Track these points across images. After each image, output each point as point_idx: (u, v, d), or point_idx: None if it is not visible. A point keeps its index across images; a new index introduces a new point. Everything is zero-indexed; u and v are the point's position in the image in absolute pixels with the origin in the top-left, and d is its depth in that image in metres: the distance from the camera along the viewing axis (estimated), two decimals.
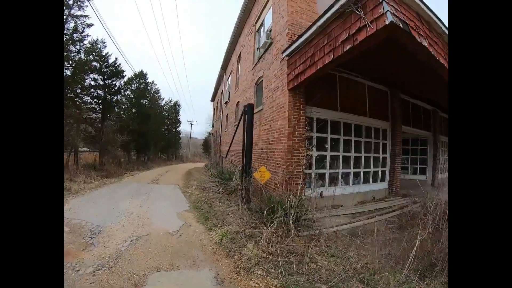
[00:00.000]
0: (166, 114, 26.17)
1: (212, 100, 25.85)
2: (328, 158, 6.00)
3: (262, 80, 6.95)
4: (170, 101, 27.80)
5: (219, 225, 4.39)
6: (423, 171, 10.88)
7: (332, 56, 3.69)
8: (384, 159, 7.71)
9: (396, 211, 6.57)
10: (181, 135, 31.99)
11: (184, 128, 40.94)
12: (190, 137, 37.94)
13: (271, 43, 6.30)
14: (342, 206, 6.19)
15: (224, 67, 16.10)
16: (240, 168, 5.47)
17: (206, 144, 36.90)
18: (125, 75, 13.53)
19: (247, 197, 5.09)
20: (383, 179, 7.72)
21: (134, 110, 16.55)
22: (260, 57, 7.15)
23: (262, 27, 7.79)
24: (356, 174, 6.89)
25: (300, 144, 5.06)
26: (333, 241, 3.94)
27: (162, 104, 24.49)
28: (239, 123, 6.92)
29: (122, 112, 15.53)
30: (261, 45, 6.81)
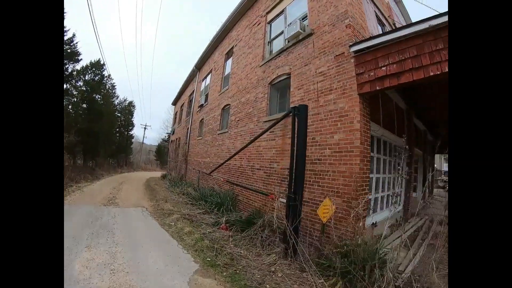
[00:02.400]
0: (119, 114, 22.32)
1: (174, 103, 23.04)
2: (374, 180, 4.96)
3: (288, 78, 5.60)
4: (125, 100, 23.90)
5: None
6: (413, 189, 10.95)
7: None
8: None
9: (429, 233, 6.12)
10: (133, 140, 27.96)
11: (135, 132, 36.40)
12: (143, 142, 33.60)
13: (309, 34, 5.04)
14: (383, 234, 5.25)
15: (199, 66, 14.16)
16: (285, 199, 3.90)
17: (160, 152, 33.03)
18: (81, 58, 10.44)
19: (296, 243, 3.58)
20: (400, 200, 7.19)
21: (85, 106, 13.13)
22: (284, 50, 5.81)
23: (282, 17, 6.49)
24: (387, 197, 6.15)
25: (368, 167, 3.84)
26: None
27: (116, 103, 20.75)
28: (264, 132, 5.40)
29: (70, 106, 12.04)
30: (289, 36, 5.47)
